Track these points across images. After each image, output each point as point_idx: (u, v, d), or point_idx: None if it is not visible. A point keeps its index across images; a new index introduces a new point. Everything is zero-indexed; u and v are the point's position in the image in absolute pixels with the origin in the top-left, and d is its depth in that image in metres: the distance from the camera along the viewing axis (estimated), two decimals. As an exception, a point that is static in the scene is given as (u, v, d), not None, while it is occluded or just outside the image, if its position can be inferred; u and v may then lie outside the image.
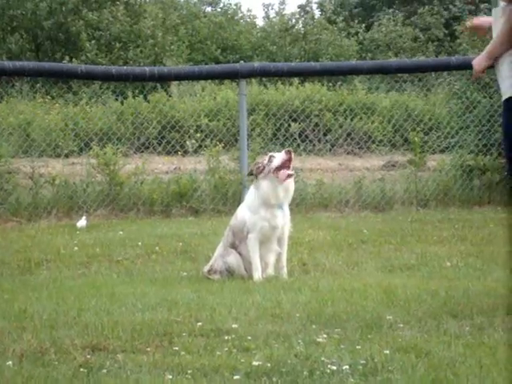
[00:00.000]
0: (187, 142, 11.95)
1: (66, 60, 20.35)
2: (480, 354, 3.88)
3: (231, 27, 23.80)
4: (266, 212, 6.04)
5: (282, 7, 26.87)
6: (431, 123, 12.12)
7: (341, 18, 25.42)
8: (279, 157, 6.03)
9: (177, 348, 4.02)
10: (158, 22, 22.52)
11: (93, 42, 21.59)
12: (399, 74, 12.78)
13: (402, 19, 26.08)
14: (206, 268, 6.27)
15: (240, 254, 6.16)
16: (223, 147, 10.86)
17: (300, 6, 27.20)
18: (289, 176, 5.97)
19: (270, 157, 6.08)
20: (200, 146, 11.88)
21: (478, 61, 4.92)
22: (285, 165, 5.98)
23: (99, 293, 5.47)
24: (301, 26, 25.31)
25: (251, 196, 6.15)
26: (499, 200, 10.74)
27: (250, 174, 6.20)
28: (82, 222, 9.22)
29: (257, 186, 6.08)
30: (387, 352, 3.88)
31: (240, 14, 26.15)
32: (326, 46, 23.52)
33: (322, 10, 28.09)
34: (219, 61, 22.38)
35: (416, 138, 10.95)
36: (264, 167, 6.05)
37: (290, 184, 6.03)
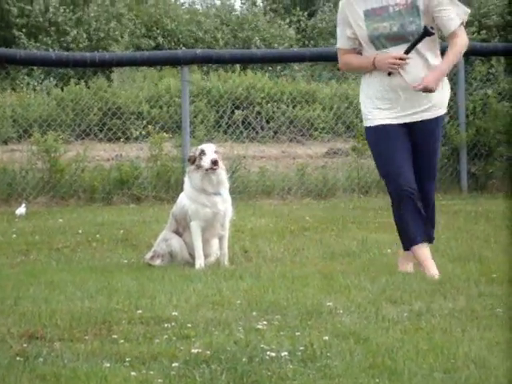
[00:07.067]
0: (132, 130, 11.84)
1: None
2: (417, 339, 3.92)
3: (172, 15, 23.61)
4: (205, 199, 6.06)
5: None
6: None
7: (280, 6, 25.43)
8: (208, 158, 6.01)
9: (115, 336, 3.98)
10: (102, 9, 22.27)
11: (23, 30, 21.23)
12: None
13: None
14: (149, 255, 6.23)
15: (184, 241, 6.16)
16: (165, 133, 10.79)
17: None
18: (213, 169, 5.99)
19: (201, 152, 6.06)
20: (140, 134, 11.79)
21: (436, 81, 5.20)
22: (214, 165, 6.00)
23: (38, 281, 5.39)
24: (238, 13, 25.17)
25: (188, 185, 6.16)
26: (438, 187, 10.86)
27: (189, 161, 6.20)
28: (21, 210, 9.08)
29: (190, 176, 6.10)
30: (326, 338, 3.90)
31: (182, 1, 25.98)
32: (262, 33, 23.44)
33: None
34: (162, 48, 22.20)
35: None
36: (195, 159, 6.07)
37: (221, 173, 6.07)
